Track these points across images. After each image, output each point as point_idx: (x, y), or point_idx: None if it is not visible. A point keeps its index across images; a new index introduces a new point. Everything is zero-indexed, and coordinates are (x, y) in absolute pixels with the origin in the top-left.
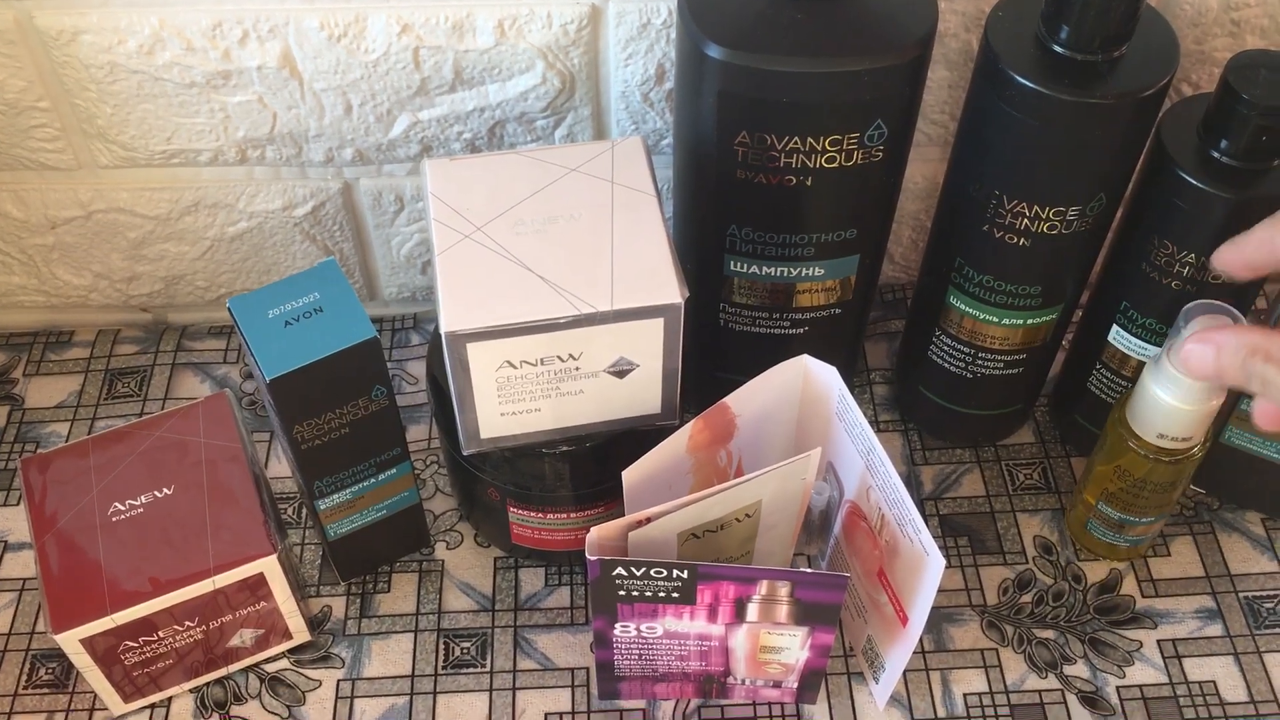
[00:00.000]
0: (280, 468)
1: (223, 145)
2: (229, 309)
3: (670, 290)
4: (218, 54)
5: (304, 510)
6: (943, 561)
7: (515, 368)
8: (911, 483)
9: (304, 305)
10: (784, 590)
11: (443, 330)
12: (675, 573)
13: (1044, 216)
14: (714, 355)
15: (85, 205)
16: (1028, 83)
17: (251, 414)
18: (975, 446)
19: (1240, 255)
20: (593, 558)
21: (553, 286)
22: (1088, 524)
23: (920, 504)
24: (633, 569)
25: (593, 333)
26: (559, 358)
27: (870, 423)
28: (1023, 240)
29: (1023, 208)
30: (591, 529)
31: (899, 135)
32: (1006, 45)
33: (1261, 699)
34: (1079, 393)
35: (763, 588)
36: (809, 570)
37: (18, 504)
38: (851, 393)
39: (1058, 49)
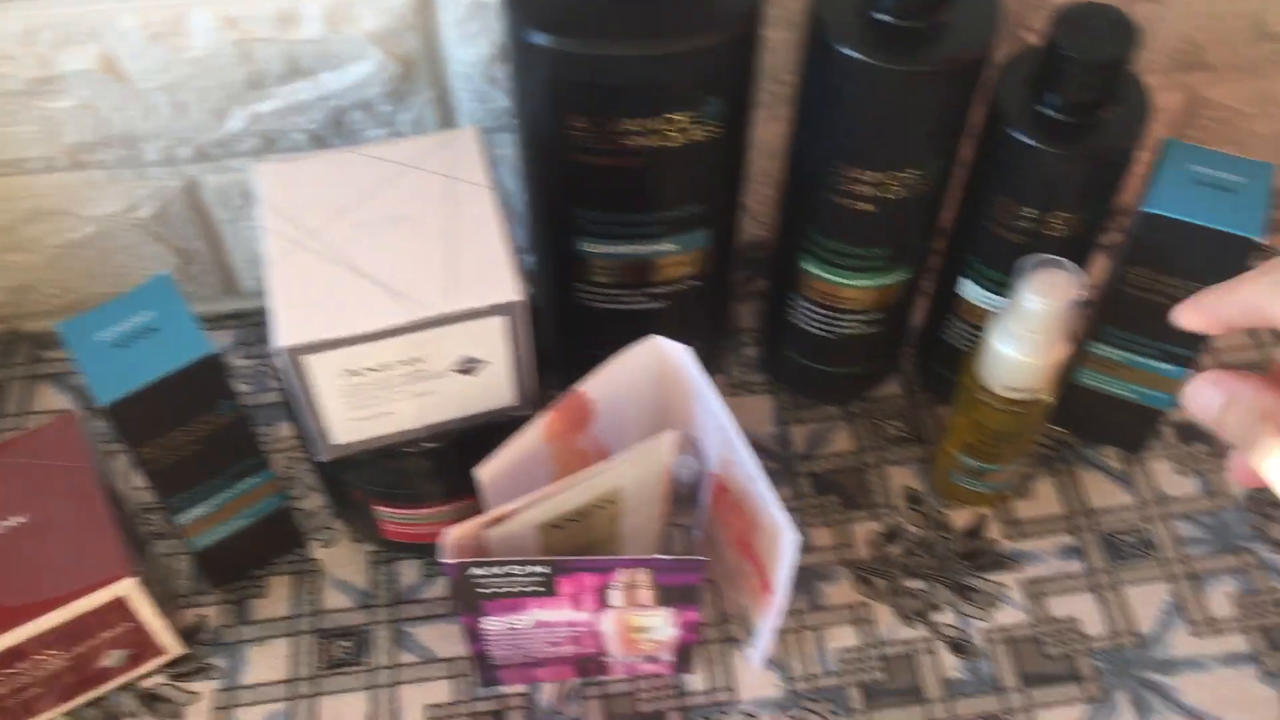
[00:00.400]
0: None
1: (53, 152)
2: (59, 333)
3: (507, 289)
4: (34, 60)
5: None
6: (797, 536)
7: (358, 375)
8: (783, 442)
9: (137, 325)
10: (643, 576)
11: (277, 345)
12: (532, 569)
13: (883, 182)
14: (580, 333)
15: None
16: (853, 53)
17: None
18: (844, 403)
19: (1215, 317)
20: (448, 560)
21: (388, 291)
22: (950, 475)
23: (792, 464)
24: (490, 568)
25: (432, 335)
26: (402, 362)
27: (740, 385)
28: (866, 205)
29: (861, 174)
30: (446, 531)
31: (736, 109)
32: (832, 15)
33: (1121, 631)
34: (938, 343)
35: (622, 575)
36: (664, 557)
37: None
38: (723, 356)
39: (881, 16)
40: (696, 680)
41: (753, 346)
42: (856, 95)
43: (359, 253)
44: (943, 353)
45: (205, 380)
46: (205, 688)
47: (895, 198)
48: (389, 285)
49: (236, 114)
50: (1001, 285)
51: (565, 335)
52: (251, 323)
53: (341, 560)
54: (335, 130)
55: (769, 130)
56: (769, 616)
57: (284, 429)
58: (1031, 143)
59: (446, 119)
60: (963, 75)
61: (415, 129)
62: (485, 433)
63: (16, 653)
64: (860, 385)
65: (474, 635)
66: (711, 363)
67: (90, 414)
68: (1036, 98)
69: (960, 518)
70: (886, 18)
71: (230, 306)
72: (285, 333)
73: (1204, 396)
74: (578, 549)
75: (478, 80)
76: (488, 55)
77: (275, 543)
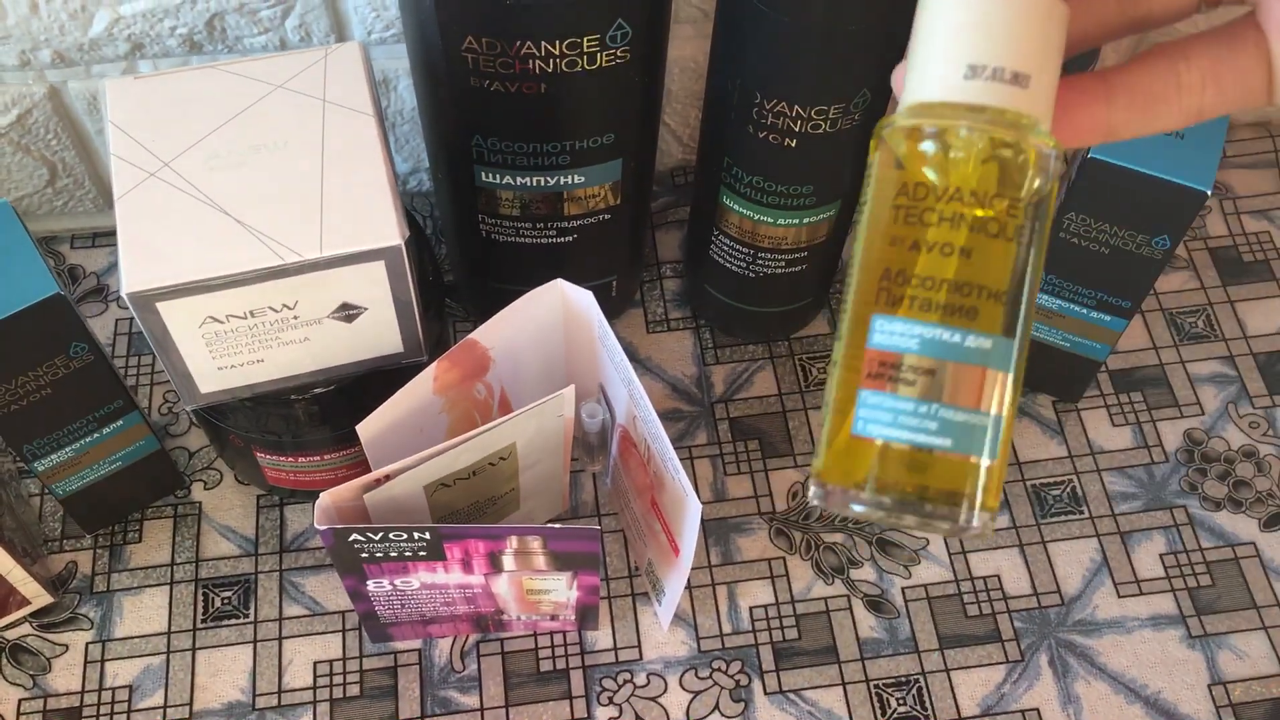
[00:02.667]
0: None
1: None
2: None
3: (388, 231)
4: None
5: None
6: (699, 505)
7: (221, 322)
8: (702, 384)
9: None
10: (536, 543)
11: (123, 290)
12: (417, 535)
13: (806, 116)
14: (485, 267)
15: None
16: None
17: None
18: (768, 341)
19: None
20: (322, 527)
21: (252, 232)
22: None
23: (712, 407)
24: (369, 534)
25: (305, 280)
26: (271, 309)
27: (662, 320)
28: (788, 140)
29: (783, 108)
30: (322, 494)
31: (647, 33)
32: None
33: (1044, 590)
34: None
35: (513, 542)
36: (556, 526)
37: None
38: (640, 289)
39: None
40: (602, 637)
41: (674, 279)
42: (778, 22)
43: (220, 186)
44: None
45: (53, 321)
46: (75, 639)
47: (821, 133)
48: (253, 225)
49: (100, 15)
50: None
51: (472, 270)
52: None
53: (225, 504)
54: (211, 36)
55: (695, 48)
56: (677, 576)
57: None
58: None
59: (338, 27)
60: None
61: (301, 37)
62: (374, 377)
63: None
64: (785, 324)
65: (359, 595)
66: (629, 296)
67: None
68: None
69: None
70: None
71: (108, 222)
72: (132, 276)
73: None
74: (472, 505)
75: None
76: None
77: (152, 485)
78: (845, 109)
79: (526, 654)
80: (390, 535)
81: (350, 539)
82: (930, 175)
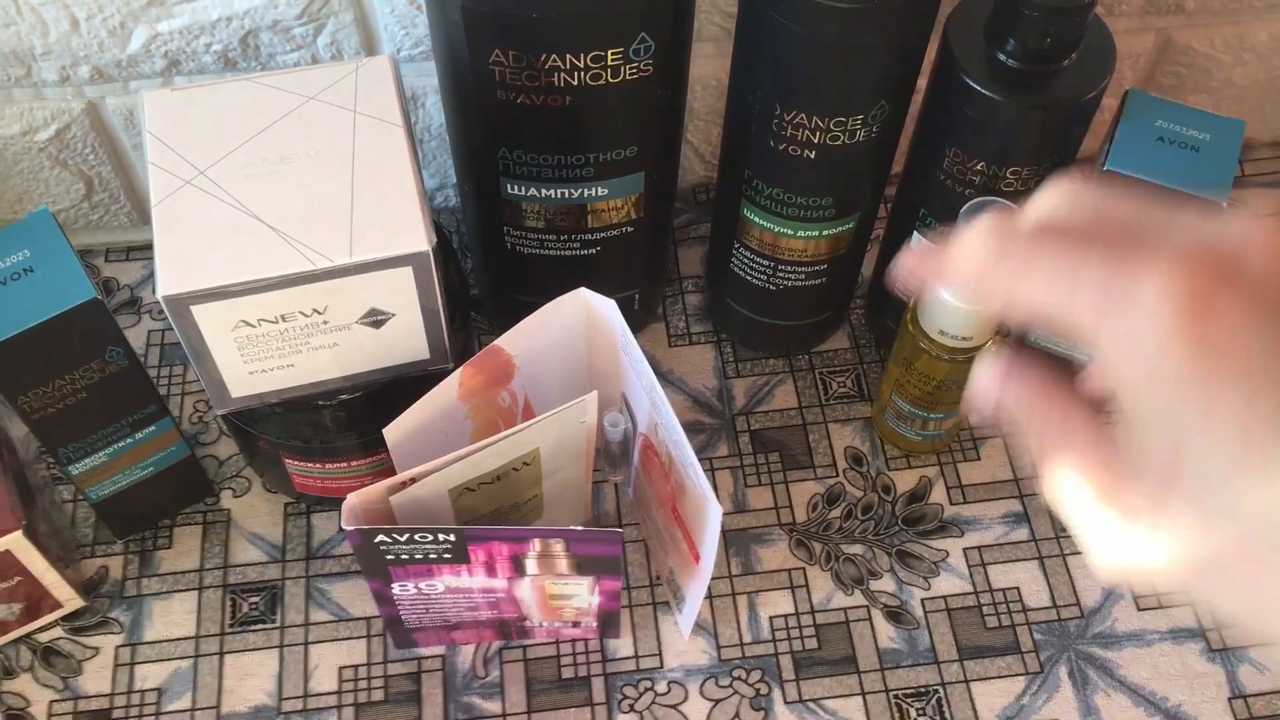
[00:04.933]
0: None
1: None
2: None
3: (415, 238)
4: None
5: None
6: (719, 509)
7: (253, 326)
8: (724, 397)
9: (13, 265)
10: (559, 546)
11: (159, 293)
12: (442, 536)
13: (825, 127)
14: (509, 278)
15: None
16: None
17: None
18: (788, 355)
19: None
20: (349, 528)
21: (285, 238)
22: (885, 414)
23: (733, 420)
24: (395, 535)
25: (335, 286)
26: (302, 313)
27: (683, 334)
28: (807, 152)
29: (802, 119)
30: (349, 496)
31: (671, 47)
32: None
33: (1064, 602)
34: (890, 298)
35: (536, 545)
36: (579, 529)
37: None
38: (663, 303)
39: None
40: (623, 645)
41: (696, 293)
42: (797, 35)
43: (254, 194)
44: (893, 306)
45: (90, 326)
46: (105, 642)
47: (840, 145)
48: (285, 231)
49: (138, 33)
50: None
51: (497, 282)
52: None
53: (254, 511)
54: (245, 52)
55: (717, 66)
56: (698, 584)
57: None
58: (985, 93)
59: (368, 43)
60: (912, 13)
61: (333, 54)
62: (401, 385)
63: None
64: (806, 338)
65: (383, 599)
66: (651, 310)
67: None
68: (993, 44)
69: (904, 480)
70: None
71: (142, 237)
72: (167, 280)
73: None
74: (496, 509)
75: (401, 5)
76: None
77: (182, 492)
78: (864, 120)
79: (548, 661)
80: (416, 536)
81: (376, 540)
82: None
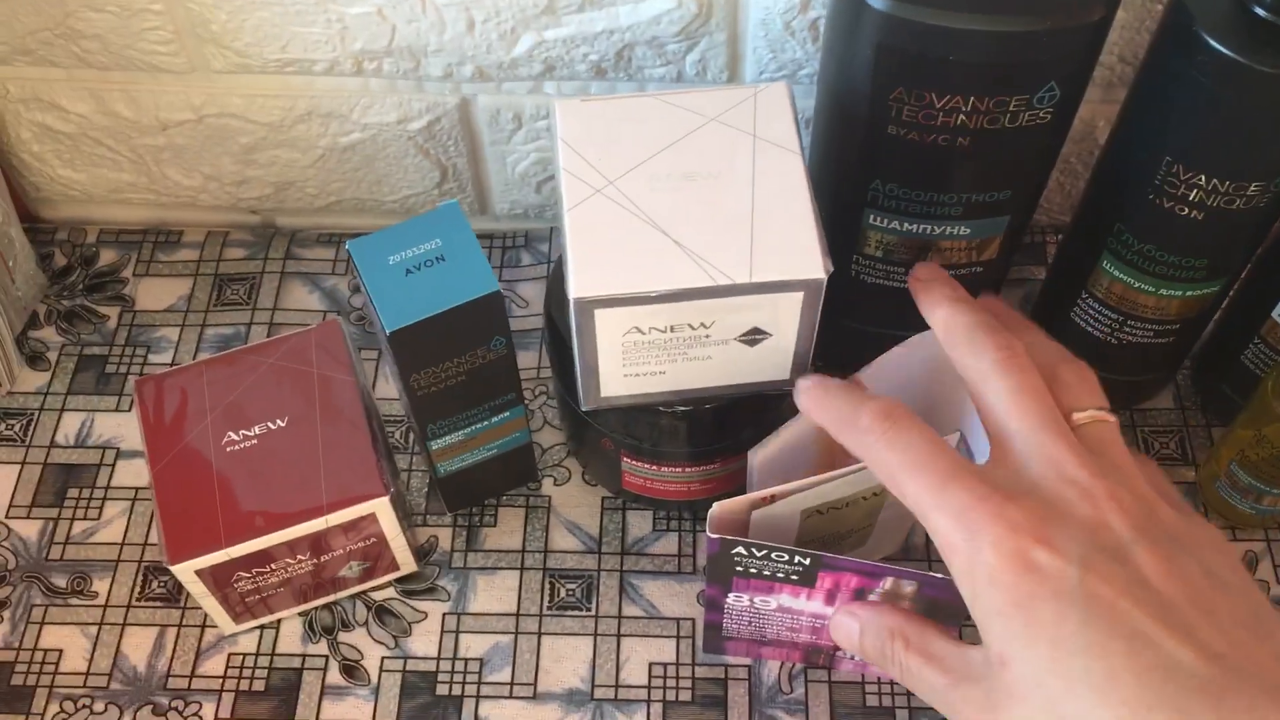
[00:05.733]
0: (389, 389)
1: (339, 56)
2: (348, 250)
3: (814, 264)
4: None
5: (411, 435)
6: None
7: (643, 333)
8: None
9: (425, 253)
10: (909, 588)
11: (571, 296)
12: (797, 559)
13: (1222, 190)
14: (844, 305)
15: (197, 109)
16: (1225, 50)
17: (360, 329)
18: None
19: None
20: (713, 535)
21: (688, 253)
22: (1216, 483)
23: None
24: (753, 550)
25: (727, 303)
26: (689, 325)
27: None
28: (1194, 213)
29: (1199, 179)
30: (714, 505)
31: (1071, 97)
32: (1201, 5)
33: None
34: (1229, 363)
35: (887, 583)
36: (940, 576)
37: (129, 410)
38: None
39: (1260, 12)
40: None
41: None
42: (1217, 96)
43: (659, 207)
44: (1235, 374)
45: (486, 316)
46: (433, 608)
47: (1234, 209)
48: (689, 246)
49: (525, 38)
50: None
51: (832, 309)
52: (499, 246)
53: (572, 501)
54: (617, 64)
55: (1088, 110)
56: None
57: (523, 359)
58: None
59: (732, 64)
60: None
61: (698, 71)
62: (743, 400)
63: (267, 555)
64: (1131, 394)
65: (715, 605)
66: None
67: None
68: None
69: None
70: (1267, 14)
71: (480, 227)
72: (581, 283)
73: (842, 629)
74: (831, 535)
75: (776, 28)
76: (792, 3)
77: (512, 475)
78: (1266, 187)
79: (853, 686)
80: (772, 554)
81: (734, 551)
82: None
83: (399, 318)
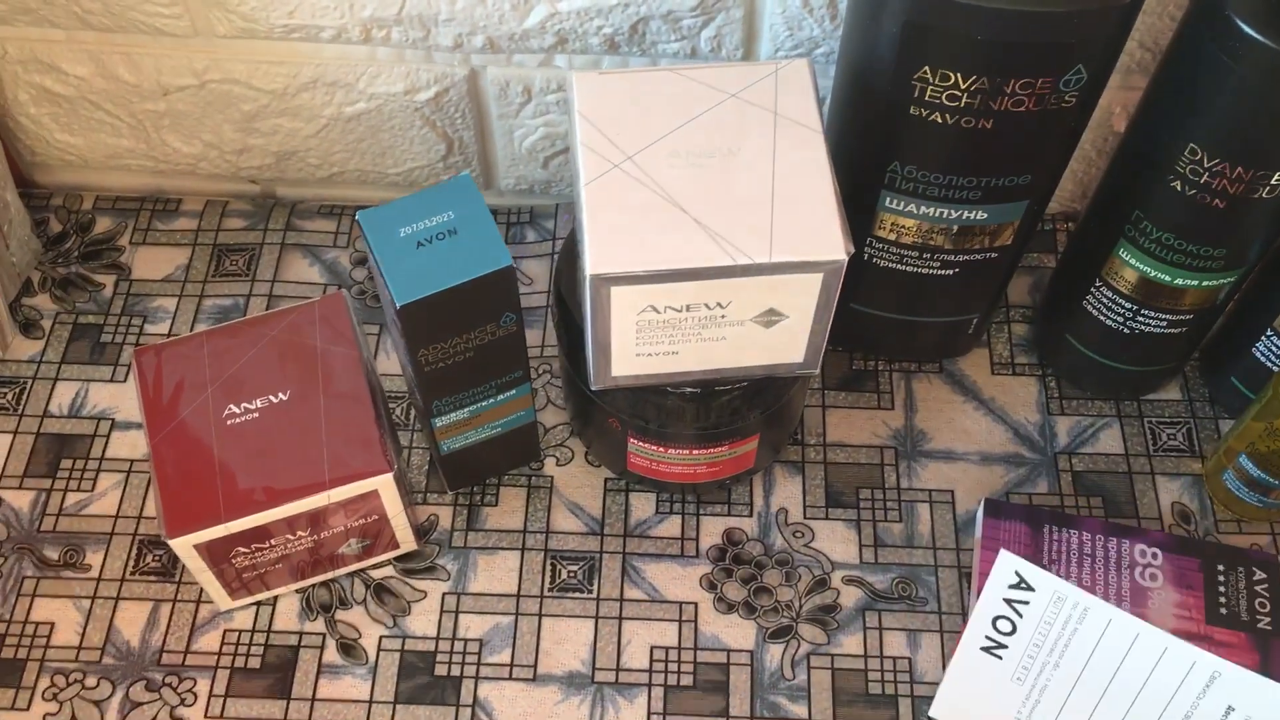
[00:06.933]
0: (389, 364)
1: (347, 23)
2: (358, 222)
3: (835, 245)
4: None
5: (412, 412)
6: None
7: (658, 312)
8: (1045, 433)
9: (438, 225)
10: None
11: (587, 271)
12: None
13: (1245, 179)
14: (855, 287)
15: (199, 74)
16: (1257, 34)
17: (361, 304)
18: (1116, 399)
19: None
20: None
21: (707, 231)
22: (1224, 475)
23: (1054, 458)
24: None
25: (745, 282)
26: (705, 305)
27: (1005, 363)
28: (1216, 200)
29: (1223, 167)
30: None
31: (1097, 80)
32: None
33: None
34: (1240, 355)
35: None
36: None
37: (125, 380)
38: (988, 330)
39: None
40: (931, 668)
41: (1022, 323)
42: (1248, 81)
43: (679, 183)
44: (1245, 366)
45: (498, 291)
46: (433, 588)
47: (1256, 198)
48: (708, 224)
49: (538, 9)
50: None
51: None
52: (504, 222)
53: (575, 481)
54: (631, 38)
55: (1108, 97)
56: None
57: (529, 338)
58: None
59: (748, 41)
60: None
61: (712, 47)
62: (756, 382)
63: (265, 531)
64: (1139, 384)
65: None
66: (979, 336)
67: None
68: None
69: (1235, 544)
70: None
71: (485, 202)
72: (598, 259)
73: None
74: None
75: (794, 6)
76: None
77: (515, 454)
78: None
79: (857, 674)
80: None
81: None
82: None
83: (410, 291)
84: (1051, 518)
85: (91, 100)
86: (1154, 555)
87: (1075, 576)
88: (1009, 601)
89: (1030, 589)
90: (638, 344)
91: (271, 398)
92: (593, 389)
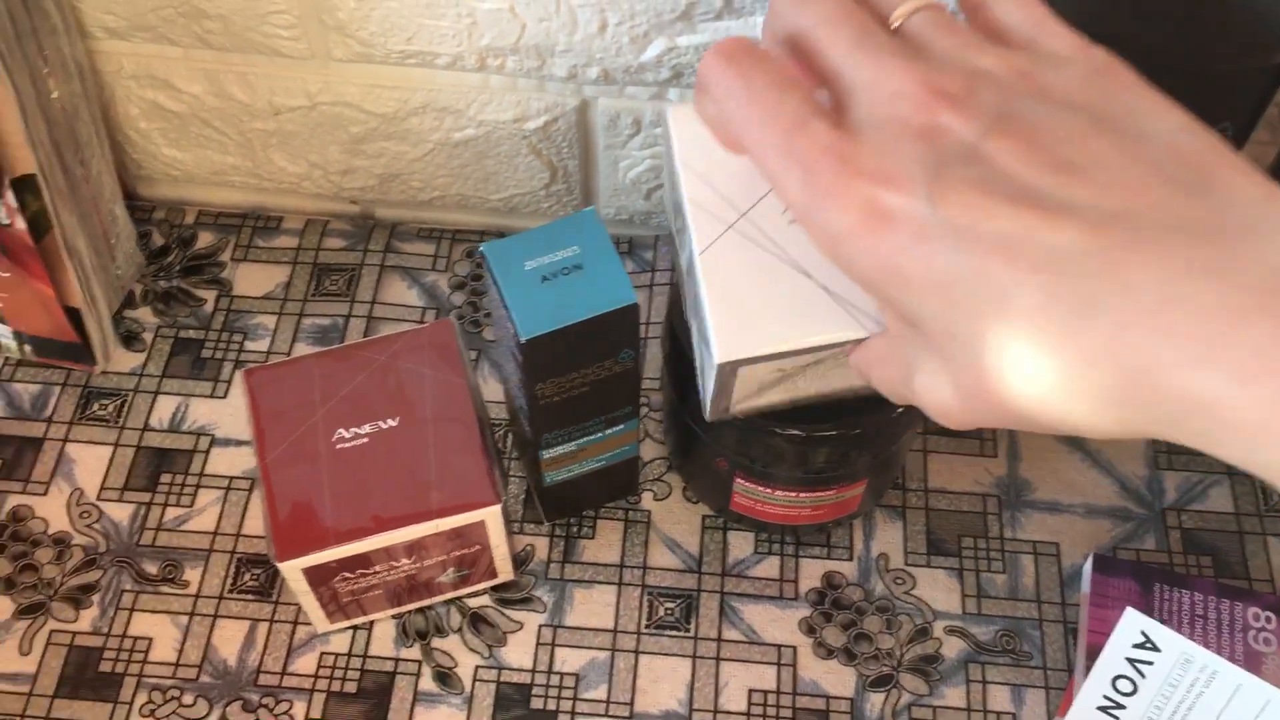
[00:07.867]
0: (490, 390)
1: (464, 50)
2: (482, 254)
3: None
4: None
5: (509, 438)
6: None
7: (785, 372)
8: (1153, 488)
9: (563, 260)
10: None
11: (715, 360)
12: None
13: None
14: None
15: (312, 96)
16: None
17: (460, 326)
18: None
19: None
20: None
21: (836, 299)
22: None
23: (1162, 514)
24: None
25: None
26: (832, 356)
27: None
28: None
29: None
30: None
31: (1240, 137)
32: None
33: None
34: None
35: None
36: None
37: (225, 397)
38: None
39: None
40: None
41: None
42: None
43: (797, 243)
44: None
45: (620, 327)
46: (529, 619)
47: None
48: (836, 290)
49: (657, 43)
50: None
51: None
52: None
53: (673, 517)
54: None
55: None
56: None
57: None
58: None
59: None
60: None
61: None
62: (865, 425)
63: (368, 558)
64: None
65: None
66: None
67: (451, 319)
68: None
69: None
70: None
71: None
72: (726, 346)
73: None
74: None
75: None
76: None
77: (614, 488)
78: None
79: (959, 716)
80: None
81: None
82: None
83: (535, 325)
84: (1162, 576)
85: (201, 117)
86: (1268, 619)
87: (1188, 639)
88: (1131, 661)
89: (1156, 649)
90: (759, 394)
91: (381, 423)
92: (709, 419)
